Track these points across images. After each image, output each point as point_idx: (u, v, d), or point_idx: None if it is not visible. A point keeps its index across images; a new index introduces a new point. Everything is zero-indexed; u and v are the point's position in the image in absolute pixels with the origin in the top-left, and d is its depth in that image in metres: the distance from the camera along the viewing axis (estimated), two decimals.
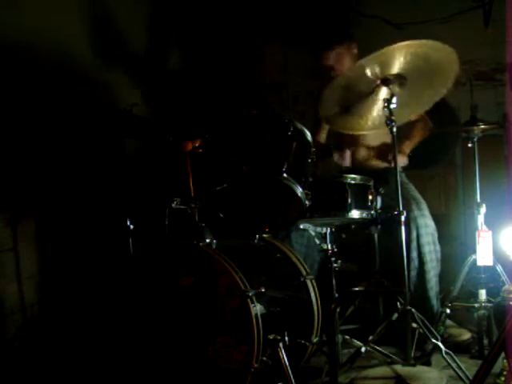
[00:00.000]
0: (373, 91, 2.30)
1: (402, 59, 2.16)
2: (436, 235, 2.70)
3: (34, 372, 2.55)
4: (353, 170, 2.66)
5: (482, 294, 2.55)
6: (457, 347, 2.37)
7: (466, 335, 2.68)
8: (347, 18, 2.99)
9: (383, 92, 2.29)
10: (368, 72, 2.20)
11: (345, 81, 2.29)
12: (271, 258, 2.44)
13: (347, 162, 2.93)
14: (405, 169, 2.97)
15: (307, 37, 3.70)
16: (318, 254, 2.66)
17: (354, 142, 2.95)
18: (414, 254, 2.64)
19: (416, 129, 2.93)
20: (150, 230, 2.43)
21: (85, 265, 2.83)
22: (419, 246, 2.63)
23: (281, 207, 2.23)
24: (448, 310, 2.62)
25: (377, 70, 2.19)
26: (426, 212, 2.70)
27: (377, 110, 2.39)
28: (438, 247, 2.71)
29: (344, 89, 2.30)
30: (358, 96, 2.32)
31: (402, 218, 2.23)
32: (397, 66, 2.19)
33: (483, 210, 2.58)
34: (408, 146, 2.88)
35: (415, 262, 2.64)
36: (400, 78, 2.24)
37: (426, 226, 2.66)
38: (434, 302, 2.68)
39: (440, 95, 2.41)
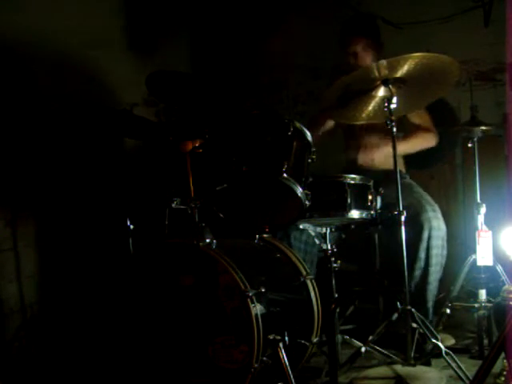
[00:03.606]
0: (372, 89, 2.34)
1: (409, 66, 2.20)
2: (445, 239, 2.63)
3: (33, 372, 2.55)
4: (356, 170, 2.64)
5: (482, 294, 2.55)
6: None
7: (450, 341, 2.63)
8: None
9: (381, 89, 2.34)
10: (376, 73, 2.23)
11: (350, 80, 2.31)
12: (271, 257, 2.44)
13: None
14: (408, 170, 2.97)
15: (307, 37, 3.71)
16: (317, 250, 2.64)
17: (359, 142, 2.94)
18: (422, 255, 2.58)
19: (415, 133, 2.87)
20: (149, 229, 2.43)
21: (85, 264, 2.83)
22: (428, 248, 2.57)
23: (281, 207, 2.23)
24: (448, 310, 2.61)
25: (383, 72, 2.22)
26: (440, 215, 2.63)
27: (373, 104, 2.44)
28: (444, 252, 2.64)
29: (346, 86, 2.33)
30: (357, 92, 2.36)
31: (402, 218, 2.23)
32: (402, 71, 2.23)
33: (483, 210, 2.57)
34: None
35: (421, 263, 2.59)
36: (401, 81, 2.28)
37: (439, 228, 2.59)
38: (430, 305, 2.63)
39: (436, 98, 2.46)
